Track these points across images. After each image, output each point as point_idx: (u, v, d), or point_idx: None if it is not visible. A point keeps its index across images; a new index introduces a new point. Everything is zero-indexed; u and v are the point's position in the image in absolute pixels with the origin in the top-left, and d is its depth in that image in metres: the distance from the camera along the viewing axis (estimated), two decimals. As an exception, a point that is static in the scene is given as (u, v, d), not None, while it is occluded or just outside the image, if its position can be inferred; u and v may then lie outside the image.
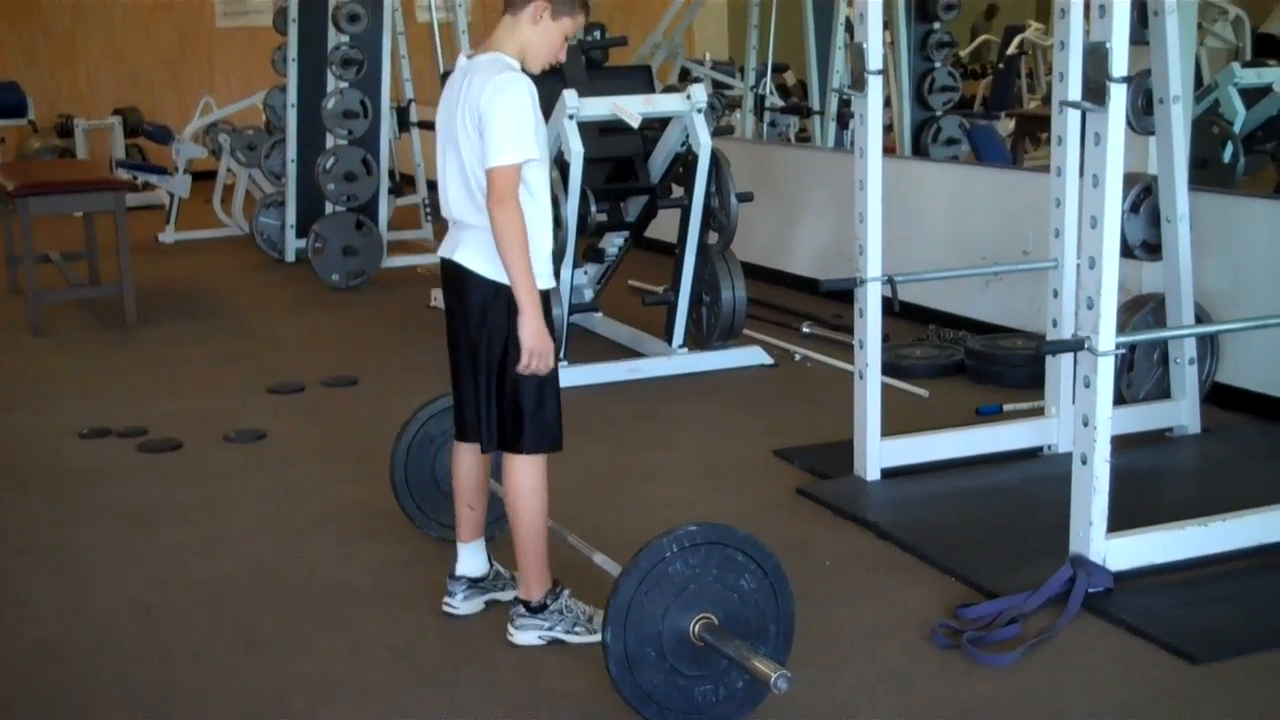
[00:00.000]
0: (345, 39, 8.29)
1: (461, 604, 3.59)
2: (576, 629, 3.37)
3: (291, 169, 8.90)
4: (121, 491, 4.71)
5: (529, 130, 3.17)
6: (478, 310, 3.29)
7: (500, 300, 3.24)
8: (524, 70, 3.26)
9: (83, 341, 7.04)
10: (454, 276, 3.33)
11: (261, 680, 3.33)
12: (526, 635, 3.39)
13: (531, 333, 3.19)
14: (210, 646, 3.50)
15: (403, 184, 10.23)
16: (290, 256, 9.07)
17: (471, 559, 3.60)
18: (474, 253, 3.27)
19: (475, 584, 3.60)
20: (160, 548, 4.19)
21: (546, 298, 3.26)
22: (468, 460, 3.52)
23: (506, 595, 3.58)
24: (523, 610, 3.39)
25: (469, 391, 3.38)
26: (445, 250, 3.36)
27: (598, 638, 3.30)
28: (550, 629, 3.38)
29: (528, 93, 3.19)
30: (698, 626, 2.93)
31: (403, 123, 9.59)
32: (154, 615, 3.70)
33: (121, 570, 4.03)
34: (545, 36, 3.25)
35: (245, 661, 3.41)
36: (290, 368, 6.31)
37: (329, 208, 8.39)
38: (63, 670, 3.41)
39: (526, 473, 3.32)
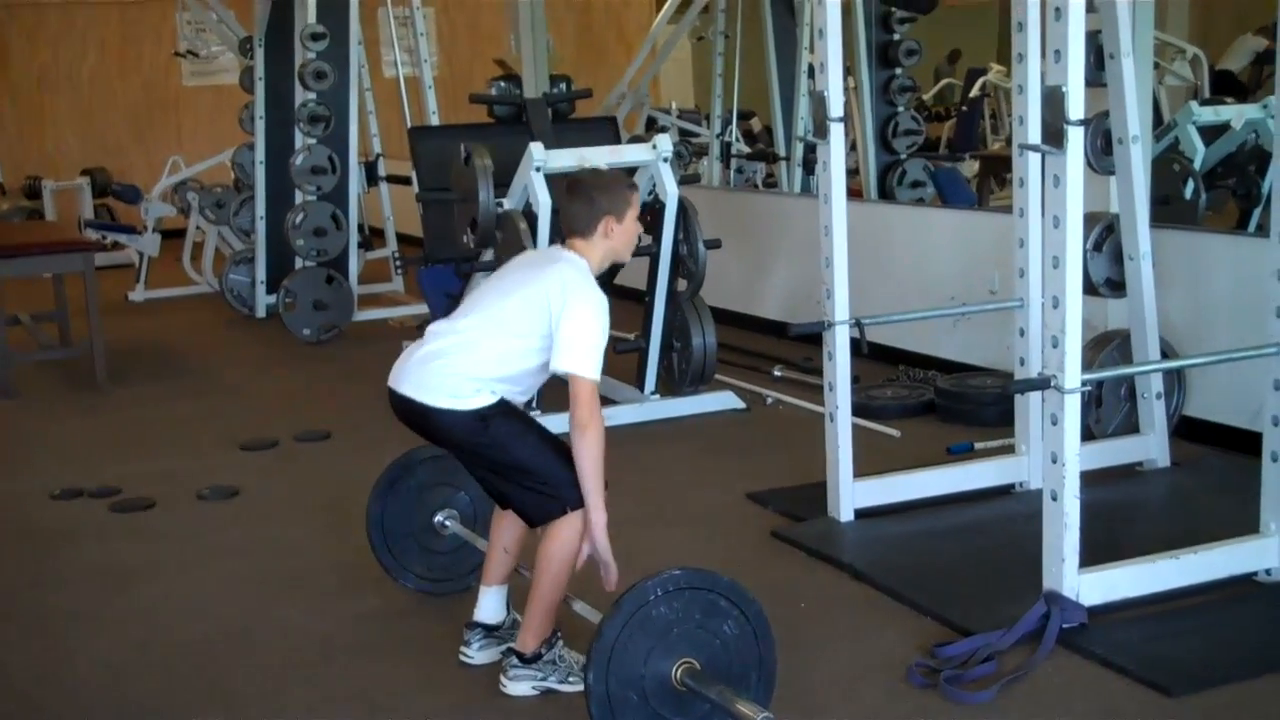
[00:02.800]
0: (312, 96, 8.33)
1: (477, 654, 3.58)
2: (571, 678, 3.37)
3: (261, 225, 8.92)
4: (95, 552, 4.69)
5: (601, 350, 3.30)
6: (459, 439, 3.38)
7: (475, 419, 3.31)
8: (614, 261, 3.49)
9: (54, 402, 7.02)
10: (418, 413, 3.38)
11: (239, 738, 3.32)
12: (520, 686, 3.39)
13: (602, 547, 3.28)
14: (185, 706, 3.48)
15: (372, 238, 10.25)
16: (261, 312, 9.07)
17: (491, 604, 3.60)
18: (438, 391, 3.32)
19: (491, 633, 3.59)
20: (134, 608, 4.17)
21: (504, 405, 3.35)
22: (511, 513, 3.55)
23: None
24: (516, 661, 3.39)
25: (488, 488, 3.51)
26: (404, 386, 3.39)
27: None
28: (544, 679, 3.38)
29: (602, 307, 3.31)
30: (680, 671, 2.94)
31: (371, 177, 9.63)
32: (128, 676, 3.68)
33: (95, 631, 4.01)
34: (623, 236, 3.44)
35: (222, 720, 3.40)
36: (263, 424, 6.31)
37: (299, 263, 8.40)
38: (38, 733, 3.39)
39: (569, 531, 3.32)
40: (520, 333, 3.30)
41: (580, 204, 3.40)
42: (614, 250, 3.43)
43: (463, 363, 3.31)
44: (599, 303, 3.30)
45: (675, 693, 2.94)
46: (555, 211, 5.62)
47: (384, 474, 4.03)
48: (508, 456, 3.33)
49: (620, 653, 2.90)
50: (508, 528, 3.57)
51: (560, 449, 3.35)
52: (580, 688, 3.33)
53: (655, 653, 2.92)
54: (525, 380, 3.39)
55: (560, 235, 5.76)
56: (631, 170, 5.92)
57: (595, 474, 3.24)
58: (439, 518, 4.02)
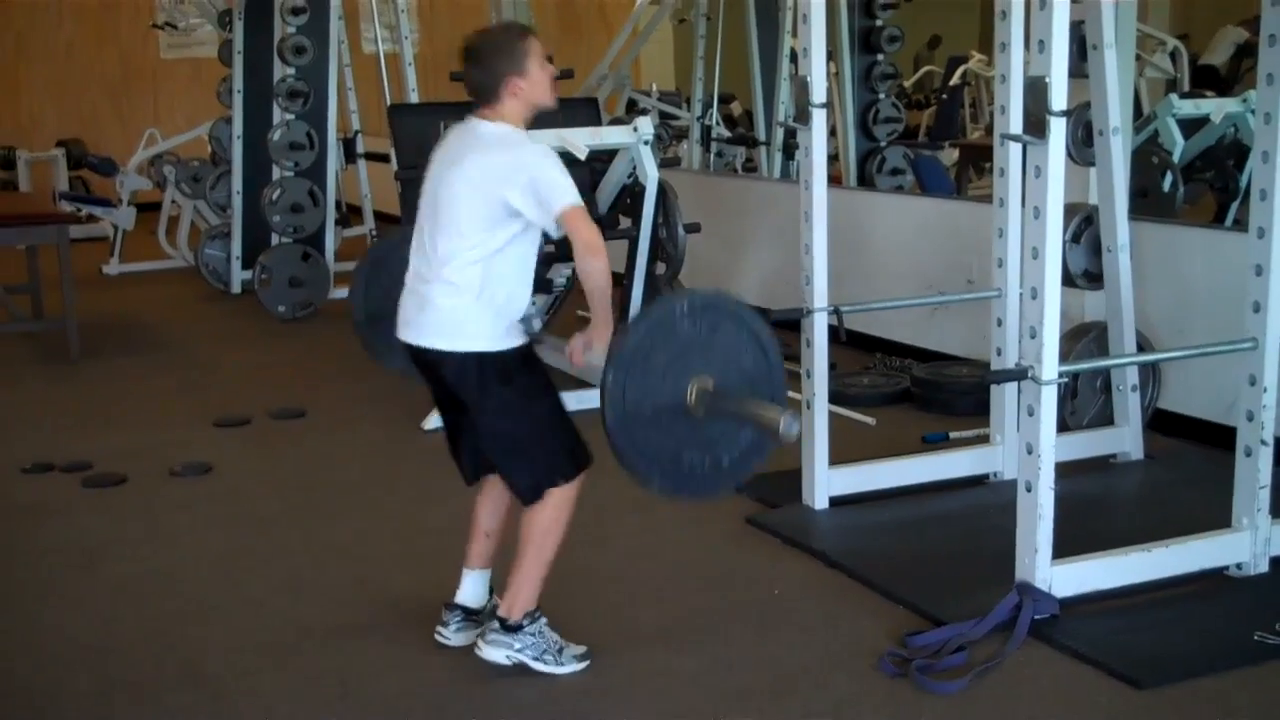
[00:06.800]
0: (291, 71, 8.28)
1: (454, 635, 3.57)
2: (545, 656, 3.36)
3: (237, 200, 8.87)
4: (66, 527, 4.66)
5: (570, 179, 3.23)
6: (461, 385, 3.32)
7: (477, 367, 3.26)
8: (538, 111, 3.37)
9: (26, 375, 6.97)
10: (425, 361, 3.35)
11: (207, 718, 3.30)
12: (495, 652, 3.36)
13: (599, 357, 3.20)
14: (155, 684, 3.46)
15: (349, 215, 10.20)
16: (236, 288, 9.02)
17: (474, 587, 3.59)
18: (440, 333, 3.27)
19: (470, 616, 3.58)
20: (105, 584, 4.15)
21: (521, 355, 3.30)
22: (493, 495, 3.55)
23: None
24: (497, 626, 3.37)
25: (476, 452, 3.46)
26: (409, 335, 3.34)
27: (564, 670, 3.35)
28: (519, 651, 3.36)
29: (554, 159, 3.26)
30: (695, 389, 2.90)
31: (349, 154, 9.58)
32: (99, 653, 3.66)
33: (66, 608, 3.98)
34: (534, 86, 3.32)
35: (191, 699, 3.38)
36: (237, 400, 6.27)
37: (275, 239, 8.36)
38: (6, 710, 3.36)
39: (553, 506, 3.31)
40: (492, 225, 3.21)
41: (479, 72, 3.28)
42: (530, 104, 3.31)
43: (465, 300, 3.23)
44: (538, 149, 3.23)
45: (689, 412, 2.88)
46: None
47: (369, 252, 3.87)
48: (520, 416, 3.28)
49: (641, 359, 2.85)
50: (491, 511, 3.56)
51: (568, 423, 3.32)
52: (553, 669, 3.36)
53: (674, 368, 2.87)
54: (525, 270, 3.29)
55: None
56: (613, 152, 5.91)
57: (606, 290, 3.19)
58: None
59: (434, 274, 3.27)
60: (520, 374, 3.31)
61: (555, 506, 3.32)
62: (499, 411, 3.30)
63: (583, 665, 3.40)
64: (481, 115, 3.33)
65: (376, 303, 3.92)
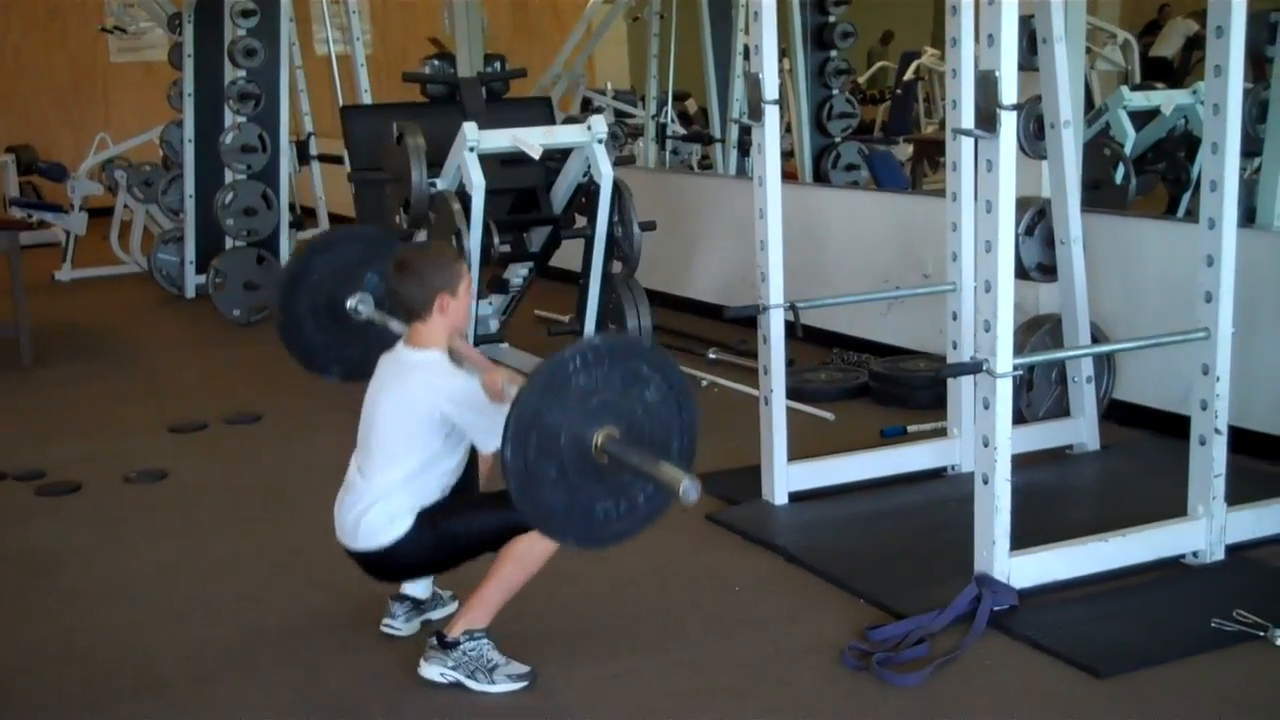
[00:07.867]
0: (242, 73, 8.23)
1: (403, 625, 3.64)
2: (477, 675, 3.31)
3: (190, 204, 8.80)
4: (19, 536, 4.61)
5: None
6: (421, 558, 3.40)
7: (418, 533, 3.33)
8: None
9: (-23, 384, 6.90)
10: (375, 561, 3.40)
11: (166, 726, 3.27)
12: (431, 669, 3.35)
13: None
14: (112, 693, 3.43)
15: (304, 217, 10.14)
16: (190, 293, 8.95)
17: (422, 581, 3.65)
18: (377, 534, 3.34)
19: (418, 605, 3.65)
20: (60, 593, 4.11)
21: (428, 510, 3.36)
22: None
23: (439, 614, 3.66)
24: (435, 642, 3.36)
25: None
26: (352, 541, 3.40)
27: (498, 689, 3.31)
28: (453, 668, 3.33)
29: (478, 387, 3.31)
30: (600, 439, 2.88)
31: (303, 156, 9.52)
32: (55, 663, 3.62)
33: (20, 618, 3.94)
34: (459, 308, 3.37)
35: (148, 707, 3.35)
36: (192, 405, 6.23)
37: (229, 243, 8.31)
38: (-41, 723, 3.33)
39: (537, 534, 3.26)
40: (417, 449, 3.32)
41: (412, 285, 3.34)
42: (453, 326, 3.40)
43: (386, 507, 3.33)
44: (468, 380, 3.31)
45: (595, 464, 2.87)
46: (489, 193, 5.58)
47: (285, 269, 3.87)
48: (469, 537, 3.35)
49: (538, 424, 2.82)
50: None
51: (503, 499, 3.25)
52: (486, 687, 3.32)
53: (574, 422, 2.85)
54: (446, 477, 3.40)
55: (494, 220, 5.78)
56: (567, 151, 5.89)
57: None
58: (351, 303, 3.95)
59: (367, 491, 3.36)
60: (439, 510, 3.38)
61: (539, 538, 3.24)
62: (452, 538, 3.36)
63: (519, 685, 3.32)
64: (409, 342, 3.40)
65: (298, 309, 3.92)
